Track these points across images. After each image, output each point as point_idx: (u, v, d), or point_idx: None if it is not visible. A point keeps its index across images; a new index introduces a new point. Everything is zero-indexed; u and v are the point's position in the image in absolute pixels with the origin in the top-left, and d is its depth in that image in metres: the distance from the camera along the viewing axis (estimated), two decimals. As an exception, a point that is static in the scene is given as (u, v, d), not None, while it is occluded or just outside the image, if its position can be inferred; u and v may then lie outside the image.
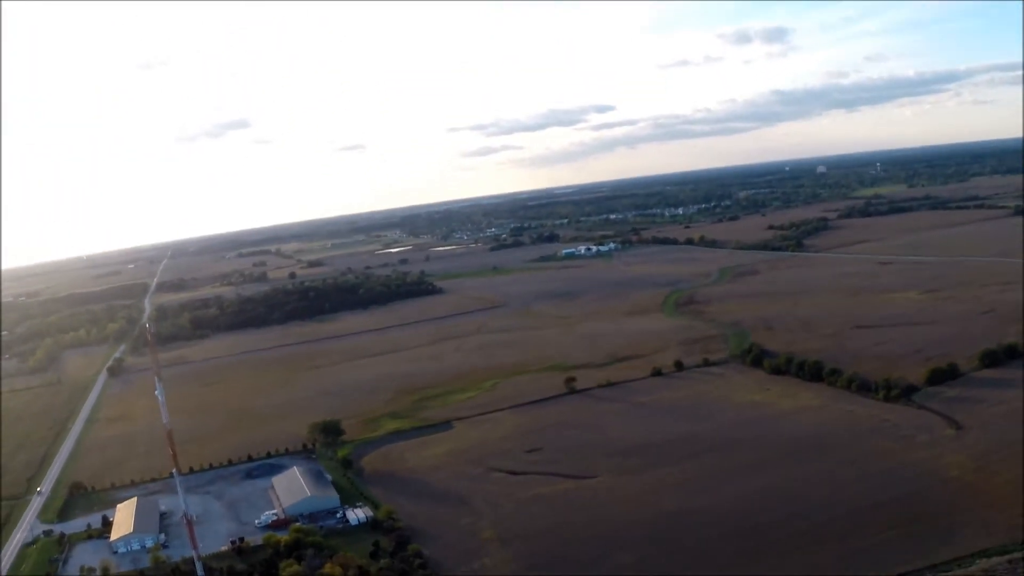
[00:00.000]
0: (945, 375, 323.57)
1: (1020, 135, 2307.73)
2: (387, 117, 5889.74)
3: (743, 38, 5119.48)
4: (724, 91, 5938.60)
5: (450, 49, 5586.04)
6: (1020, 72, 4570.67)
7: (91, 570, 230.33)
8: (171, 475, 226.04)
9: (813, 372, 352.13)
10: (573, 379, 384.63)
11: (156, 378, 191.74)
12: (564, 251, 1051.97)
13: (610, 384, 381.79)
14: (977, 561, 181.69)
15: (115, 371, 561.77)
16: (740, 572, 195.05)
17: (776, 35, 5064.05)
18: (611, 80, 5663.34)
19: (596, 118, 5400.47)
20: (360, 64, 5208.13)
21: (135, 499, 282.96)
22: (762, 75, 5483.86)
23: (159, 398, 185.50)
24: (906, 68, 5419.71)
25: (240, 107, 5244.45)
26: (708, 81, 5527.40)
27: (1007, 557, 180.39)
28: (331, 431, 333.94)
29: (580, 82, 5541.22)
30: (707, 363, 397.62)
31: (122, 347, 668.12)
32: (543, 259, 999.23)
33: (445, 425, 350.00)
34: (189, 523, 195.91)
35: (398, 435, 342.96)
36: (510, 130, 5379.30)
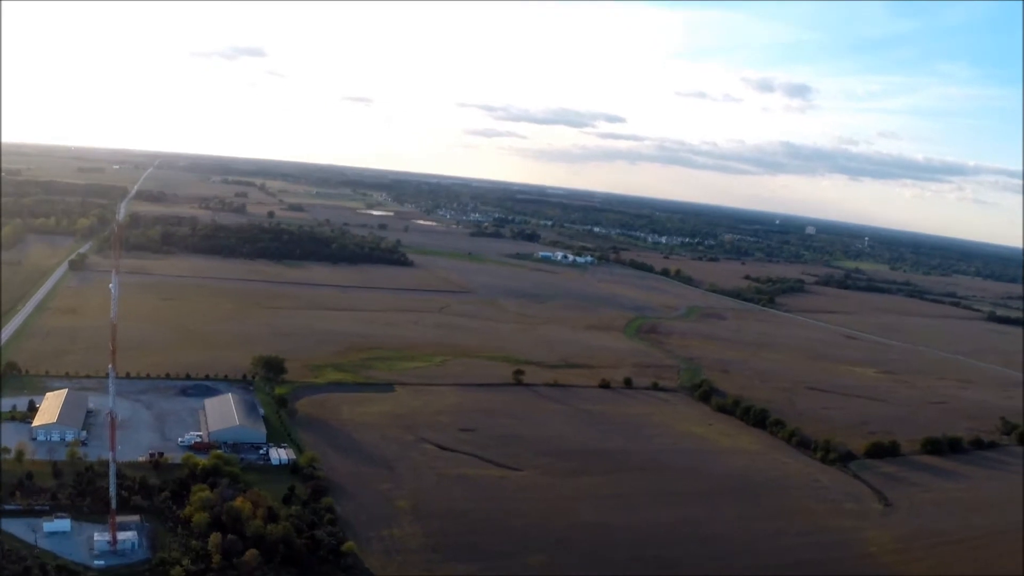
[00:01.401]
0: (885, 451, 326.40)
1: (1013, 244, 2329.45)
2: (400, 77, 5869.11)
3: (766, 86, 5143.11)
4: (734, 131, 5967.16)
5: (477, 29, 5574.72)
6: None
7: (6, 450, 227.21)
8: (107, 374, 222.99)
9: (757, 418, 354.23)
10: (521, 372, 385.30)
11: (113, 271, 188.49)
12: (541, 253, 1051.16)
13: (556, 384, 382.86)
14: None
15: (76, 265, 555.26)
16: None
17: (799, 91, 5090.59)
18: (627, 93, 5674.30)
19: (604, 126, 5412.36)
20: (385, 19, 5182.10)
21: (65, 391, 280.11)
22: (775, 125, 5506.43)
23: (112, 291, 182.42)
24: (916, 152, 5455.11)
25: (258, 34, 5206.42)
26: (721, 117, 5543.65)
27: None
28: (273, 367, 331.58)
29: (597, 88, 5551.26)
30: (656, 387, 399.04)
31: (88, 244, 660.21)
32: (519, 255, 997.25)
33: (387, 387, 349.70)
34: (112, 421, 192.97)
35: (339, 386, 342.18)
36: (518, 118, 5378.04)
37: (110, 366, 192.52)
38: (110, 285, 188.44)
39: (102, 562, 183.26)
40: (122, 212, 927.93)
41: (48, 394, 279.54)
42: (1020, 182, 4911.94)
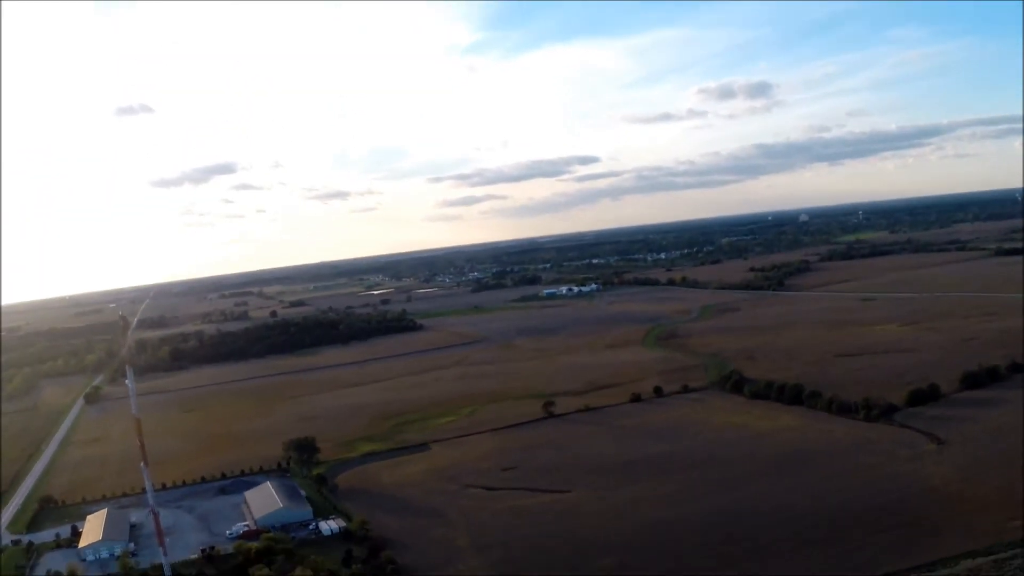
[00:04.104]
0: (926, 396, 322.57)
1: (1002, 187, 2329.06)
2: (371, 166, 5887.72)
3: (727, 92, 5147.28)
4: (708, 144, 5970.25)
5: (433, 100, 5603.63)
6: (1002, 126, 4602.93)
7: (58, 574, 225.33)
8: (143, 491, 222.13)
9: (793, 396, 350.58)
10: (551, 404, 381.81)
11: (127, 367, 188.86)
12: (546, 291, 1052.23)
13: (588, 409, 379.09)
14: (962, 562, 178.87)
15: (92, 398, 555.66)
16: (723, 574, 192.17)
17: (759, 90, 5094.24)
18: (595, 133, 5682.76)
19: (580, 169, 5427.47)
20: (347, 112, 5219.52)
21: (106, 510, 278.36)
22: (745, 129, 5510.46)
23: (129, 386, 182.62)
24: (888, 123, 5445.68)
25: (225, 151, 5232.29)
26: (691, 135, 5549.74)
27: (993, 557, 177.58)
28: (306, 449, 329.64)
29: (564, 134, 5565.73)
30: (687, 389, 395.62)
31: (99, 377, 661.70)
32: (524, 299, 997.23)
33: (422, 447, 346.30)
34: (156, 516, 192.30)
35: (374, 456, 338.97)
36: (494, 180, 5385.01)
37: (142, 464, 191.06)
38: (126, 381, 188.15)
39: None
40: (129, 327, 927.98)
41: (89, 516, 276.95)
42: (995, 129, 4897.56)
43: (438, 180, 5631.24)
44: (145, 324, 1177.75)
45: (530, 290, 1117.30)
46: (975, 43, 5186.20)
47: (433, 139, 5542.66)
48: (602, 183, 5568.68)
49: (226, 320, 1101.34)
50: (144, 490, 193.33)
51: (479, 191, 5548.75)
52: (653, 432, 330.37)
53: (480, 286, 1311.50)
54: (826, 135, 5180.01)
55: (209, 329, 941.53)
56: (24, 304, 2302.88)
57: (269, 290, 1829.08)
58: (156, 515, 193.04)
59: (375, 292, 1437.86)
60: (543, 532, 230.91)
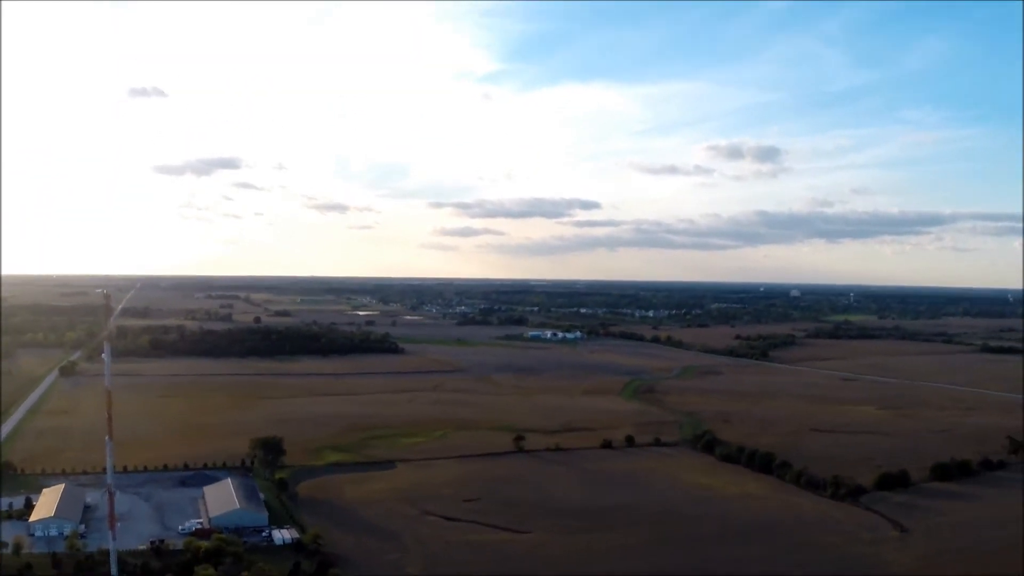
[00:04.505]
0: (895, 482, 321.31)
1: (996, 285, 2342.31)
2: (373, 181, 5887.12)
3: (735, 153, 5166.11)
4: (710, 205, 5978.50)
5: (442, 123, 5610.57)
6: (1002, 223, 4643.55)
7: (3, 544, 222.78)
8: (103, 471, 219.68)
9: (763, 463, 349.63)
10: (522, 439, 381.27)
11: (105, 341, 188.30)
12: (530, 333, 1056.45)
13: (559, 449, 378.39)
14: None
15: (67, 371, 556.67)
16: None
17: (769, 154, 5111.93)
18: (600, 177, 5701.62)
19: (581, 214, 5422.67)
20: (356, 122, 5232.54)
21: (63, 486, 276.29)
22: (749, 193, 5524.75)
23: (105, 359, 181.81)
24: (891, 205, 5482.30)
25: (231, 145, 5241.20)
26: (694, 192, 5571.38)
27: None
28: (272, 449, 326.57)
29: (568, 174, 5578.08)
30: (659, 443, 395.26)
31: (77, 353, 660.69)
32: (509, 337, 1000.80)
33: (388, 464, 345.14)
34: (111, 495, 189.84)
35: (339, 467, 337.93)
36: (493, 213, 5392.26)
37: (107, 437, 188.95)
38: (103, 354, 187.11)
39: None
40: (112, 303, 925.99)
41: (45, 490, 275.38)
42: (995, 225, 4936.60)
43: (439, 206, 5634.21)
44: (129, 312, 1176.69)
45: (515, 330, 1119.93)
46: (986, 133, 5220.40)
47: (438, 161, 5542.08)
48: (600, 231, 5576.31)
49: (210, 319, 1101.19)
50: (104, 470, 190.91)
51: (478, 223, 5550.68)
52: (620, 480, 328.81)
53: (466, 320, 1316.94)
54: (828, 210, 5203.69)
55: (192, 325, 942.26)
56: (10, 277, 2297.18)
57: (256, 296, 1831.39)
58: (111, 494, 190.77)
59: (361, 312, 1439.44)
60: (493, 573, 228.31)
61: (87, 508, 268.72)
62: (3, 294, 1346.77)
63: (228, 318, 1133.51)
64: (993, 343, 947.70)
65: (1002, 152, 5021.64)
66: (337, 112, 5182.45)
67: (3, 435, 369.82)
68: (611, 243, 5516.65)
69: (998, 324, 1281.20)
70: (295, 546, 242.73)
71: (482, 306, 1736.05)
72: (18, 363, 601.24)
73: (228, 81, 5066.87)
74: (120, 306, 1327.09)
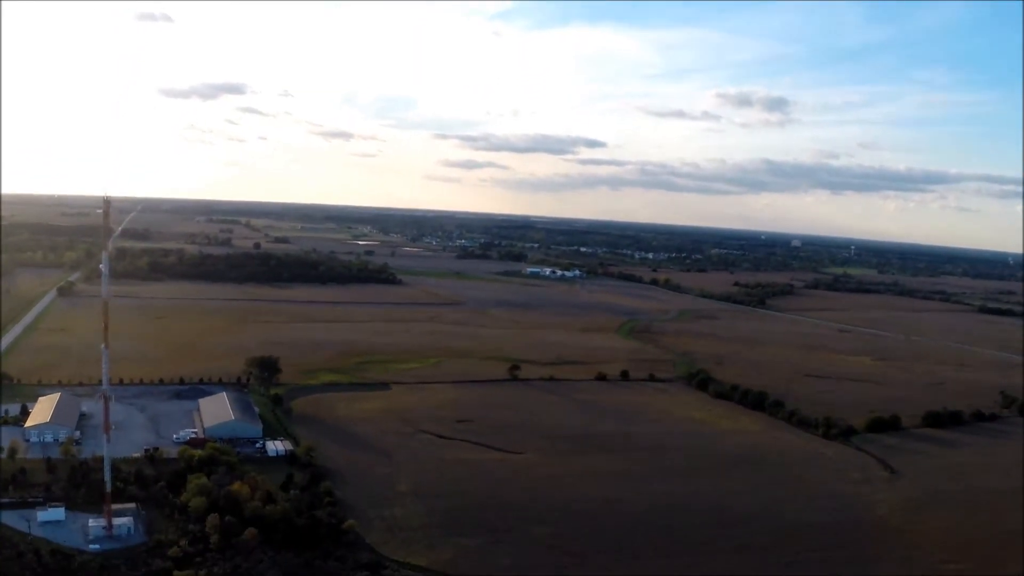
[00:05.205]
0: (886, 425, 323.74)
1: (996, 247, 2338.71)
2: (379, 111, 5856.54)
3: (744, 101, 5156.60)
4: (715, 151, 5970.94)
5: (451, 58, 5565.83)
6: (1007, 186, 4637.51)
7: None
8: (99, 382, 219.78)
9: (756, 401, 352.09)
10: (517, 368, 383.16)
11: (104, 253, 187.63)
12: (529, 270, 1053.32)
13: (553, 379, 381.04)
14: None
15: (65, 291, 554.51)
16: (656, 564, 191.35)
17: (777, 104, 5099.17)
18: (606, 117, 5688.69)
19: (585, 152, 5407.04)
20: (361, 54, 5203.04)
21: (59, 394, 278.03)
22: (755, 141, 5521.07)
23: (103, 270, 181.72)
24: (898, 162, 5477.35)
25: (237, 71, 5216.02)
26: (701, 137, 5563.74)
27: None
28: (268, 367, 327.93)
29: (575, 113, 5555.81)
30: (653, 379, 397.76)
31: (76, 274, 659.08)
32: (507, 273, 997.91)
33: (383, 386, 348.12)
34: (106, 400, 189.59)
35: (334, 387, 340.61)
36: (498, 147, 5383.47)
37: (103, 345, 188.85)
38: (100, 265, 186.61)
39: (97, 546, 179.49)
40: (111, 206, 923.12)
41: (41, 398, 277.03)
42: (1000, 188, 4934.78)
43: (443, 137, 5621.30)
44: (129, 234, 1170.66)
45: (514, 266, 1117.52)
46: (996, 98, 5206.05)
47: (446, 95, 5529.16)
48: (604, 170, 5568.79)
49: (210, 244, 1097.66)
50: (100, 381, 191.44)
51: (482, 156, 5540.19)
52: (613, 411, 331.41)
53: (465, 253, 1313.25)
54: (834, 162, 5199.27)
55: (191, 249, 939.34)
56: (11, 196, 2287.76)
57: (257, 222, 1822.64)
58: (107, 399, 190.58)
59: (361, 242, 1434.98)
60: (486, 490, 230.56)
61: (83, 416, 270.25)
62: (3, 213, 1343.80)
63: (228, 243, 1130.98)
64: (991, 304, 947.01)
65: (1011, 116, 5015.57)
66: (345, 41, 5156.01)
67: (1, 349, 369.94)
68: (614, 182, 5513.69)
69: (997, 286, 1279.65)
70: (288, 458, 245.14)
71: (482, 240, 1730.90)
72: (17, 282, 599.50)
73: (236, 8, 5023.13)
74: (120, 227, 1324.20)
